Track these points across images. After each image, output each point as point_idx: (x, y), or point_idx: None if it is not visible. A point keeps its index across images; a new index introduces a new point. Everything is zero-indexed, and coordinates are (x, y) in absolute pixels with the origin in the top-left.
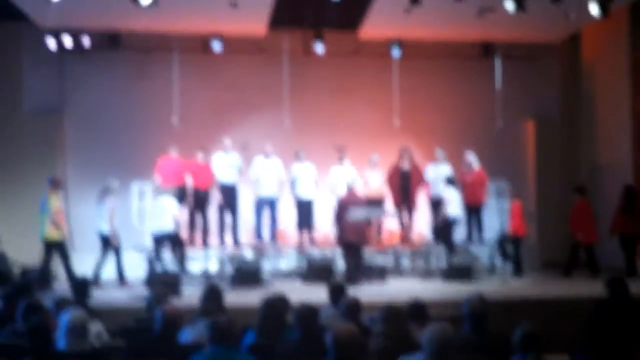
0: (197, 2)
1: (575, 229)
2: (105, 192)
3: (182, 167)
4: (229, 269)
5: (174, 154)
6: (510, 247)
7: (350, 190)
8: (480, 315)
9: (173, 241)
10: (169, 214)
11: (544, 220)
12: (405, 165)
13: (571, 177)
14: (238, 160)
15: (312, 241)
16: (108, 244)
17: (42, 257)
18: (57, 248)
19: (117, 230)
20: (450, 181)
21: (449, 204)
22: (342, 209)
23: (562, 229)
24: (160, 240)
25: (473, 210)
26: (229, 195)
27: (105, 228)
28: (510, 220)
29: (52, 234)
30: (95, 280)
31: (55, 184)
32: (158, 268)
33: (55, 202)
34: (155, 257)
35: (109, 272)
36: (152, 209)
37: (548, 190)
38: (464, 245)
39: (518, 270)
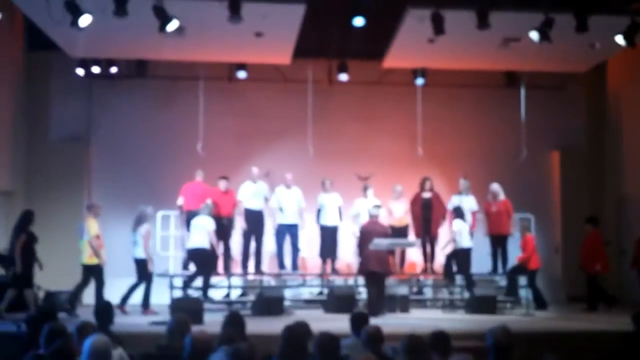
0: (222, 32)
1: (591, 260)
2: (140, 218)
3: (206, 192)
4: (251, 297)
5: (199, 178)
6: (524, 279)
7: (373, 219)
8: (504, 347)
9: (206, 259)
10: (206, 232)
11: (570, 254)
12: (427, 195)
13: (598, 209)
14: (265, 189)
15: (335, 270)
16: (143, 269)
17: (80, 282)
18: (95, 273)
19: (152, 256)
20: (459, 212)
21: (458, 236)
22: (365, 238)
23: None
24: (194, 258)
25: (498, 242)
26: (255, 222)
27: (141, 254)
28: (523, 253)
29: (91, 259)
30: (123, 304)
31: (94, 210)
32: (189, 286)
33: (94, 227)
34: (187, 277)
35: (134, 298)
36: (191, 228)
37: (574, 222)
38: (488, 277)
39: (539, 303)
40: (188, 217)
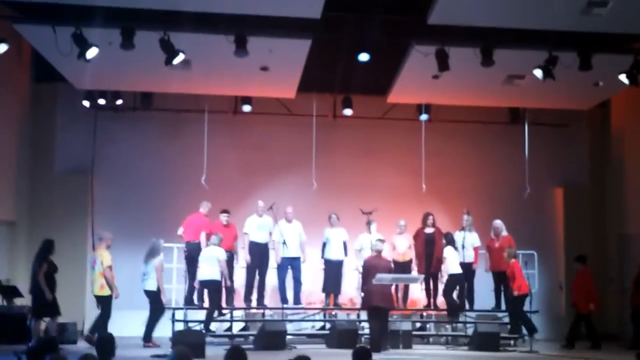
0: (228, 65)
1: (583, 299)
2: (153, 251)
3: (203, 225)
4: (253, 331)
5: (202, 210)
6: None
7: (376, 254)
8: None
9: (215, 290)
10: (217, 263)
11: None
12: (429, 231)
13: (601, 246)
14: (270, 223)
15: (338, 305)
16: (156, 301)
17: (100, 313)
18: (104, 303)
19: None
20: (450, 240)
21: (448, 263)
22: (368, 272)
23: None
24: (207, 287)
25: (500, 278)
26: (260, 255)
27: (152, 286)
28: (514, 282)
29: (102, 290)
30: (148, 339)
31: (106, 241)
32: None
33: (107, 258)
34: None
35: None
36: (202, 259)
37: None
38: (491, 313)
39: (529, 329)
40: (187, 248)
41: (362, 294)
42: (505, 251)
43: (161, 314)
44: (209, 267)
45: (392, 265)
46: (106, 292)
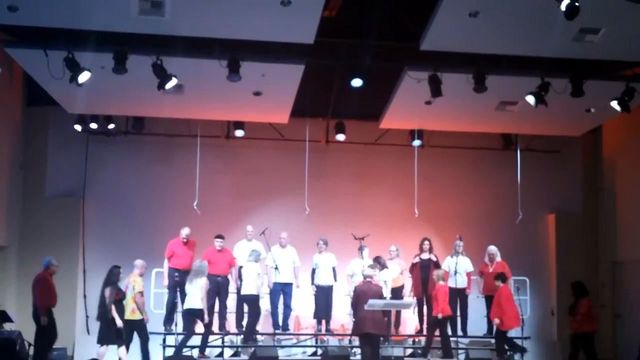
0: (221, 90)
1: (497, 314)
2: (197, 272)
3: (190, 253)
4: (245, 356)
5: (184, 235)
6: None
7: (367, 280)
8: None
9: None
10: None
11: (565, 317)
12: (424, 256)
13: (593, 272)
14: (260, 248)
15: (329, 330)
16: (193, 320)
17: (125, 336)
18: (138, 328)
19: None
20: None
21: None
22: (359, 298)
23: None
24: (190, 318)
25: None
26: None
27: (197, 304)
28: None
29: (134, 314)
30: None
31: (140, 268)
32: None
33: (139, 284)
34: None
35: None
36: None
37: (569, 286)
38: (483, 339)
39: (516, 348)
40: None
41: (353, 320)
42: (434, 273)
43: (209, 329)
44: (194, 297)
45: (383, 291)
46: (137, 316)
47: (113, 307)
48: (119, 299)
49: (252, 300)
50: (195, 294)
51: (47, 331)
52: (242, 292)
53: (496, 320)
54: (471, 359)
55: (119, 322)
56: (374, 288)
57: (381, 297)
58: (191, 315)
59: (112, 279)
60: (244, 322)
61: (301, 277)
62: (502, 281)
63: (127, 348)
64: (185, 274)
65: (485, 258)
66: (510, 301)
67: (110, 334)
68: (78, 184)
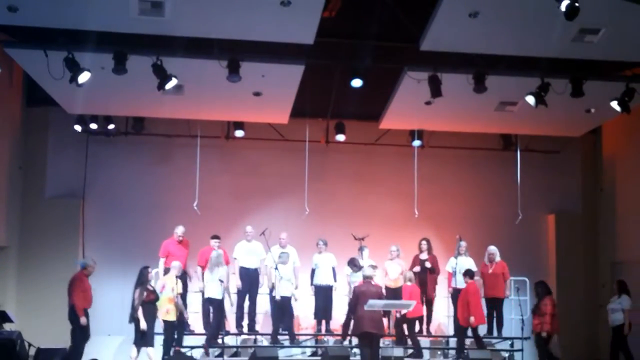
0: (221, 91)
1: (466, 311)
2: (217, 262)
3: (185, 251)
4: (245, 357)
5: (179, 233)
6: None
7: (367, 280)
8: None
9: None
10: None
11: (565, 317)
12: (423, 257)
13: (592, 273)
14: (259, 248)
15: (329, 330)
16: (218, 309)
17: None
18: (168, 329)
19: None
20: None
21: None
22: (358, 298)
23: (585, 326)
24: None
25: (493, 304)
26: (250, 280)
27: (215, 294)
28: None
29: (169, 314)
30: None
31: (177, 270)
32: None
33: (179, 286)
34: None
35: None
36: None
37: (569, 286)
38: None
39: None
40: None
41: (352, 320)
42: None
43: (220, 321)
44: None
45: (383, 291)
46: (171, 317)
47: (140, 309)
48: (149, 300)
49: (287, 302)
50: (216, 284)
51: (85, 331)
52: (277, 295)
53: (472, 319)
54: (471, 359)
55: (143, 325)
56: (372, 288)
57: (380, 297)
58: (210, 305)
59: (142, 279)
60: (244, 322)
61: (301, 278)
62: (470, 277)
63: (168, 348)
64: (182, 273)
65: (485, 258)
66: (478, 297)
67: (144, 336)
68: (78, 184)
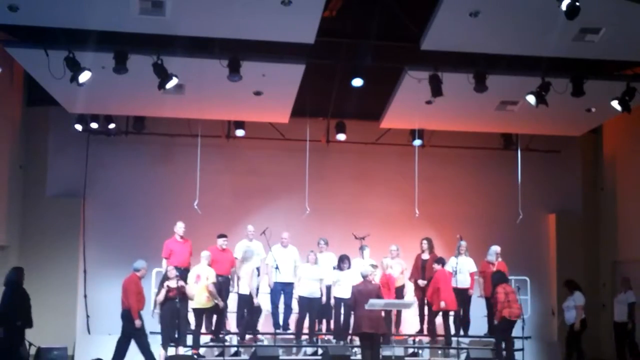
0: (222, 90)
1: (435, 297)
2: (246, 257)
3: (188, 250)
4: (245, 356)
5: (180, 228)
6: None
7: (366, 279)
8: None
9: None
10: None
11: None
12: (424, 257)
13: (593, 272)
14: (260, 248)
15: (330, 330)
16: (249, 304)
17: (195, 322)
18: (210, 313)
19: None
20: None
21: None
22: (356, 299)
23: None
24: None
25: None
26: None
27: (243, 290)
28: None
29: (207, 301)
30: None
31: (207, 259)
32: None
33: (212, 274)
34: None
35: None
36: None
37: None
38: (484, 339)
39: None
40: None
41: (353, 320)
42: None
43: (257, 315)
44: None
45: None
46: (211, 303)
47: (158, 307)
48: (173, 297)
49: (317, 301)
50: (243, 279)
51: (142, 331)
52: (301, 294)
53: (442, 304)
54: (472, 359)
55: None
56: (370, 287)
57: (378, 296)
58: (241, 300)
59: (163, 277)
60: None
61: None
62: (442, 265)
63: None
64: (185, 272)
65: (492, 257)
66: (448, 283)
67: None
68: (78, 184)
